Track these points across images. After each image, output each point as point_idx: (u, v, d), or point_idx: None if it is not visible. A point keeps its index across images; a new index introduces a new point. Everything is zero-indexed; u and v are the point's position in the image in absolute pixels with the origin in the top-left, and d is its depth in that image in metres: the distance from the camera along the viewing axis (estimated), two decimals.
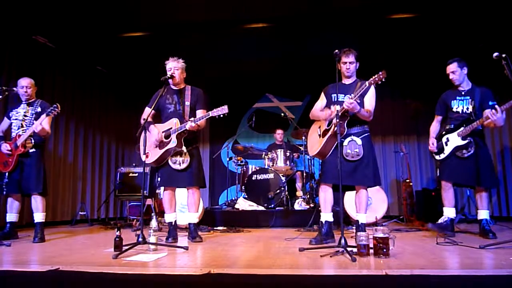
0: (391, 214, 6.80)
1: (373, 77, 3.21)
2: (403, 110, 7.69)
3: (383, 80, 3.19)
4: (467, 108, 3.96)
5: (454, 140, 3.94)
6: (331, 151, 3.55)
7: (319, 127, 3.69)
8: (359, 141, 3.49)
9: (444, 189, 4.01)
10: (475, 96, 3.95)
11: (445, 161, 4.00)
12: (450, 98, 4.10)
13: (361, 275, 2.21)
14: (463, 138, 3.87)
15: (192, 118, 3.74)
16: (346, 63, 3.61)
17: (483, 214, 3.90)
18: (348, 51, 3.61)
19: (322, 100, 3.82)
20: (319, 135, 3.64)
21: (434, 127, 4.28)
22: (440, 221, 3.96)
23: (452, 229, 3.91)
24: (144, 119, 3.68)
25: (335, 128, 3.25)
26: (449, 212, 3.98)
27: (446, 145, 4.00)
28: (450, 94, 4.13)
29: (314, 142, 3.71)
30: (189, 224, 3.97)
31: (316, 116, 3.80)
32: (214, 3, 5.34)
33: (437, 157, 4.10)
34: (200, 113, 3.94)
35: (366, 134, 3.59)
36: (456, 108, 4.02)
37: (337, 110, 3.26)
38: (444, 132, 4.10)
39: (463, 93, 4.02)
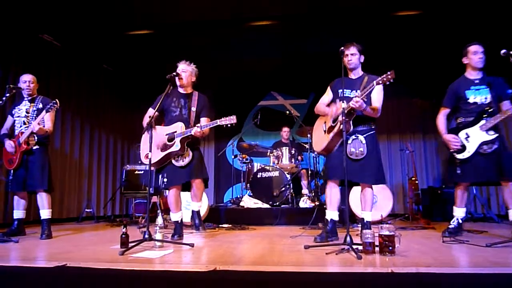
0: (397, 212, 6.78)
1: (381, 77, 3.12)
2: (409, 107, 7.67)
3: (391, 81, 3.07)
4: (485, 98, 3.56)
5: (477, 135, 3.51)
6: (336, 147, 3.54)
7: (324, 122, 3.66)
8: (363, 139, 3.47)
9: (461, 190, 3.74)
10: (491, 85, 3.58)
11: (470, 161, 3.56)
12: (463, 88, 3.68)
13: (366, 273, 2.21)
14: (487, 132, 3.47)
15: (199, 124, 3.74)
16: (347, 55, 3.56)
17: None
18: (349, 44, 3.59)
19: (328, 95, 3.79)
20: (325, 131, 3.61)
21: (443, 122, 3.84)
22: (451, 225, 3.77)
23: (462, 229, 3.81)
24: (150, 116, 3.68)
25: (341, 126, 3.23)
26: (460, 212, 3.78)
27: (468, 141, 3.56)
28: (462, 84, 3.71)
29: (319, 138, 3.69)
30: (192, 211, 4.00)
31: (321, 111, 3.76)
32: (219, 2, 5.33)
33: (459, 156, 3.60)
34: (204, 121, 3.95)
35: (372, 132, 3.55)
36: (474, 99, 3.61)
37: (343, 108, 3.23)
38: (458, 127, 3.70)
39: (476, 82, 3.63)
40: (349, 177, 3.32)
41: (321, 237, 3.42)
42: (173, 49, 6.58)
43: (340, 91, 3.57)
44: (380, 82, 3.15)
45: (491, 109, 3.49)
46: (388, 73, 3.10)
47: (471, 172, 3.57)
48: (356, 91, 3.52)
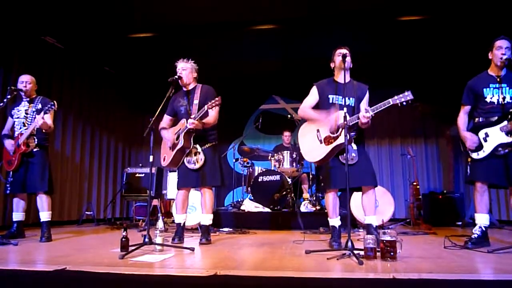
0: (398, 217, 6.77)
1: (399, 96, 3.02)
2: (411, 112, 7.65)
3: (409, 102, 2.97)
4: (504, 98, 3.31)
5: (496, 136, 3.29)
6: (332, 157, 3.46)
7: (317, 130, 3.47)
8: (354, 145, 3.42)
9: (479, 192, 3.41)
10: None
11: (483, 160, 3.35)
12: (481, 85, 3.43)
13: (368, 279, 2.19)
14: (507, 134, 3.24)
15: (193, 116, 3.74)
16: (342, 54, 3.35)
17: None
18: (341, 46, 3.51)
19: (312, 97, 3.64)
20: (320, 140, 3.43)
21: (463, 119, 3.58)
22: (475, 234, 3.36)
23: (487, 239, 3.37)
24: (162, 127, 3.74)
25: (341, 137, 3.18)
26: (483, 219, 3.40)
27: (486, 141, 3.34)
28: (481, 80, 3.47)
29: (313, 147, 3.49)
30: (202, 226, 3.94)
31: (310, 117, 3.59)
32: (221, 5, 5.34)
33: (474, 155, 3.39)
34: (209, 111, 3.93)
35: (358, 145, 3.49)
36: (491, 98, 3.36)
37: (347, 121, 3.12)
38: (475, 126, 3.46)
39: (498, 79, 3.37)
40: (350, 183, 3.26)
41: (338, 244, 3.35)
42: (175, 52, 6.53)
43: (331, 97, 3.51)
44: (398, 102, 3.02)
45: None
46: (406, 93, 2.99)
47: (486, 172, 3.37)
48: (349, 99, 3.47)
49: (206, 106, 3.63)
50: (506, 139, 3.26)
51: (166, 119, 4.06)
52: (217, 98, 3.59)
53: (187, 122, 3.74)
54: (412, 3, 5.28)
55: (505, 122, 3.27)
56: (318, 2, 5.32)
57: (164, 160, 3.93)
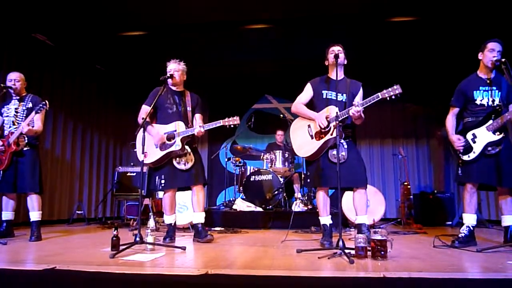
0: (389, 216, 6.81)
1: (387, 90, 3.11)
2: (402, 113, 7.70)
3: (398, 96, 3.06)
4: (493, 101, 3.37)
5: (483, 135, 3.34)
6: (322, 153, 3.49)
7: (308, 126, 3.58)
8: (345, 144, 3.45)
9: (469, 192, 3.43)
10: (502, 85, 3.38)
11: (475, 162, 3.38)
12: (472, 87, 3.47)
13: (359, 277, 2.20)
14: (494, 133, 3.31)
15: (201, 124, 3.74)
16: (334, 51, 3.50)
17: (509, 219, 3.35)
18: (335, 44, 3.59)
19: (307, 93, 3.71)
20: (311, 135, 3.53)
21: (452, 122, 3.61)
22: (462, 233, 3.41)
23: (474, 239, 3.43)
24: (142, 118, 3.66)
25: (334, 131, 3.21)
26: (470, 219, 3.43)
27: (474, 142, 3.38)
28: (471, 83, 3.50)
29: (304, 142, 3.58)
30: (195, 225, 3.91)
31: (302, 113, 3.66)
32: (214, 4, 5.33)
33: (465, 158, 3.41)
34: (198, 117, 3.98)
35: (348, 140, 3.53)
36: (481, 101, 3.41)
37: (338, 115, 3.21)
38: (465, 127, 3.50)
39: (488, 81, 3.41)
40: (341, 183, 3.27)
41: (329, 243, 3.36)
42: (167, 51, 6.52)
43: (325, 92, 3.56)
44: (386, 95, 3.11)
45: (501, 110, 3.32)
46: (395, 87, 3.08)
47: (475, 173, 3.38)
48: (342, 95, 3.53)
49: (222, 121, 3.68)
50: (493, 137, 3.31)
51: (146, 109, 3.84)
52: (236, 118, 3.66)
53: (187, 126, 3.75)
54: (402, 5, 5.32)
55: (491, 121, 3.33)
56: (311, 4, 5.33)
57: (145, 156, 3.70)
